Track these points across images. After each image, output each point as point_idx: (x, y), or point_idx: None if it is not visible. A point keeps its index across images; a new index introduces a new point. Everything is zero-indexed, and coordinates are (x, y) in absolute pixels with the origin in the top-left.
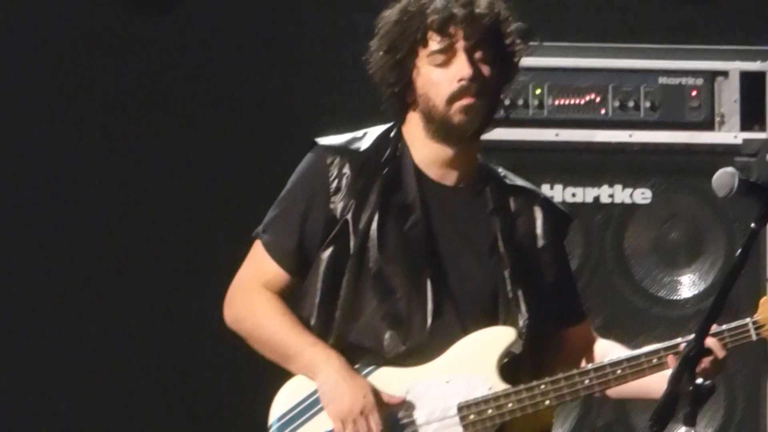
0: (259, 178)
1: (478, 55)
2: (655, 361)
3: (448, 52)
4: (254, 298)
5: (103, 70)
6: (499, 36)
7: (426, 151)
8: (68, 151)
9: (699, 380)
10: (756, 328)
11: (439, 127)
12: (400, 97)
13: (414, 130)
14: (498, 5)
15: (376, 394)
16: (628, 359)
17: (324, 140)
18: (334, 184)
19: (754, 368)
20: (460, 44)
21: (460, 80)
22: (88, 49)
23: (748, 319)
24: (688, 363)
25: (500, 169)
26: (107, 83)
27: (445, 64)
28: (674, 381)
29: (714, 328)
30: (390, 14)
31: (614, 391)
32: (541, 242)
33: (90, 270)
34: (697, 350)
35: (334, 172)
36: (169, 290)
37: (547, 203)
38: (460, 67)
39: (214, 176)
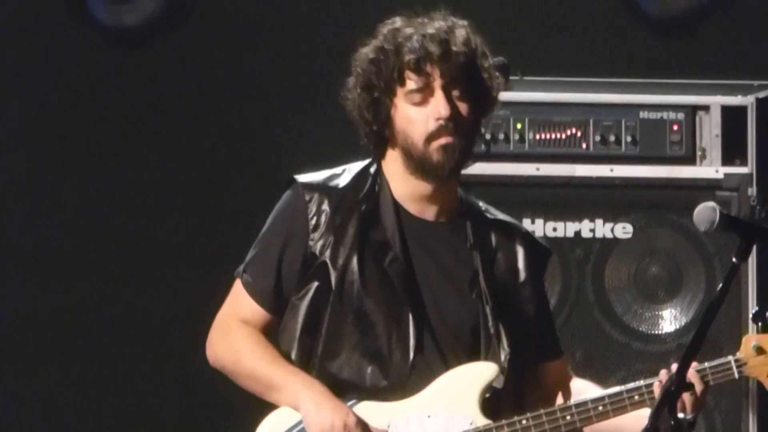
0: (237, 211)
1: (455, 92)
2: (636, 398)
3: (425, 90)
4: (233, 334)
5: (87, 101)
6: (477, 71)
7: (405, 186)
8: (51, 183)
9: (680, 415)
10: (738, 366)
11: (418, 165)
12: (378, 134)
13: (393, 166)
14: (474, 40)
15: (358, 423)
16: (610, 396)
17: (302, 177)
18: (313, 222)
19: (734, 404)
20: (437, 82)
21: (438, 119)
22: (72, 81)
23: (730, 357)
24: (668, 397)
25: (481, 203)
26: (91, 114)
27: (422, 102)
28: (655, 415)
29: (696, 365)
30: (366, 52)
31: (590, 429)
32: (521, 276)
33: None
34: (678, 385)
35: (313, 209)
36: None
37: (528, 237)
38: (437, 106)
39: (192, 207)
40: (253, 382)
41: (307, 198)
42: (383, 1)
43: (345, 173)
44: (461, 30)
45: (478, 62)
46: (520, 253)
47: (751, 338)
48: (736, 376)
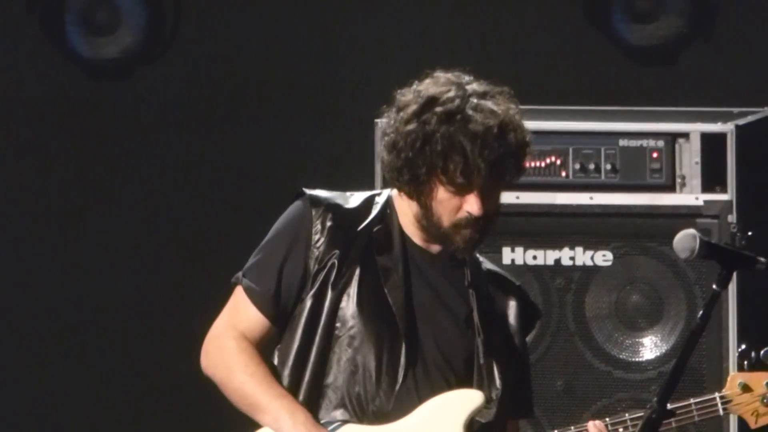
0: (218, 239)
1: (491, 191)
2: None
3: (464, 186)
4: (228, 346)
5: (69, 133)
6: (517, 167)
7: (412, 227)
8: (34, 214)
9: None
10: (723, 403)
11: (436, 237)
12: (402, 186)
13: (405, 204)
14: (523, 138)
15: None
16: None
17: (311, 191)
18: (317, 236)
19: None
20: (477, 183)
21: (469, 214)
22: (53, 114)
23: (716, 394)
24: (650, 426)
25: (477, 254)
26: (73, 146)
27: (457, 192)
28: None
29: (682, 402)
30: (415, 119)
31: None
32: (512, 328)
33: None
34: (659, 413)
35: (318, 222)
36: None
37: (521, 293)
38: (472, 205)
39: (172, 235)
40: (239, 399)
41: (313, 212)
42: (355, 28)
43: (353, 197)
44: (516, 129)
45: (521, 159)
46: (512, 306)
47: (737, 376)
48: (721, 413)
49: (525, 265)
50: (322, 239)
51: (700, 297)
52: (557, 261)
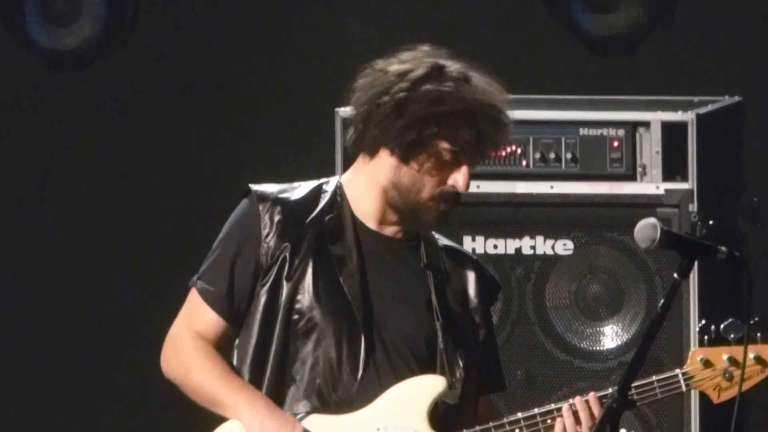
0: (183, 227)
1: (472, 168)
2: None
3: (455, 157)
4: (185, 346)
5: (26, 124)
6: (493, 152)
7: (368, 204)
8: None
9: (622, 431)
10: (686, 380)
11: (405, 211)
12: (402, 147)
13: (360, 181)
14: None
15: None
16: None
17: (257, 187)
18: (266, 230)
19: (676, 422)
20: (467, 158)
21: (453, 187)
22: (11, 104)
23: (677, 371)
24: (610, 415)
25: (432, 232)
26: (30, 136)
27: (446, 164)
28: None
29: (644, 379)
30: (428, 82)
31: None
32: (472, 303)
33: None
34: (620, 402)
35: (266, 217)
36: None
37: (478, 267)
38: (459, 179)
39: (132, 227)
40: (200, 397)
41: (260, 207)
42: (315, 17)
43: (299, 188)
44: (507, 116)
45: (503, 143)
46: (471, 280)
47: (698, 351)
48: (684, 389)
49: (485, 254)
50: (272, 234)
51: (660, 287)
52: (518, 250)
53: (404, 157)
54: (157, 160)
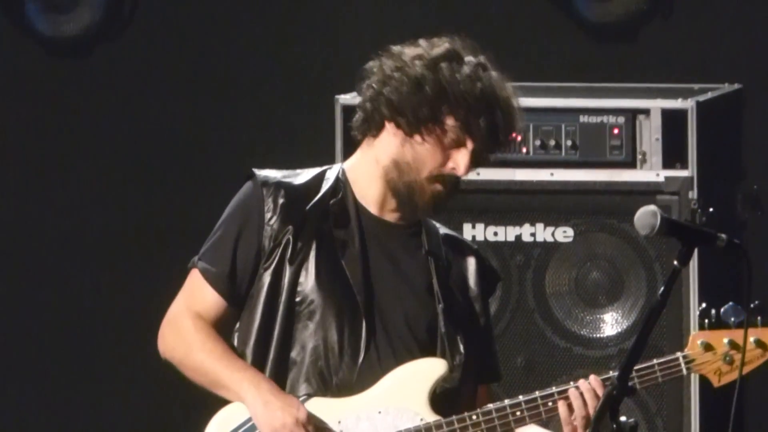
0: (184, 213)
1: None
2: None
3: (460, 139)
4: (185, 326)
5: (27, 111)
6: (497, 150)
7: (371, 189)
8: None
9: (622, 418)
10: (687, 363)
11: (403, 188)
12: (411, 122)
13: (363, 166)
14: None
15: (310, 418)
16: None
17: (260, 171)
18: (269, 213)
19: (676, 407)
20: (472, 146)
21: (453, 170)
22: (11, 91)
23: (678, 354)
24: (610, 401)
25: (433, 221)
26: (30, 123)
27: (450, 145)
28: (597, 420)
29: (645, 363)
30: (442, 56)
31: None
32: (472, 292)
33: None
34: (620, 389)
35: (269, 200)
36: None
37: (478, 256)
38: (461, 163)
39: (134, 214)
40: (200, 377)
41: (264, 191)
42: (316, 4)
43: (302, 174)
44: (519, 112)
45: (507, 142)
46: (471, 269)
47: (699, 335)
48: (685, 373)
49: (485, 241)
50: (275, 217)
51: (660, 274)
52: (518, 237)
53: (410, 131)
54: (156, 148)
